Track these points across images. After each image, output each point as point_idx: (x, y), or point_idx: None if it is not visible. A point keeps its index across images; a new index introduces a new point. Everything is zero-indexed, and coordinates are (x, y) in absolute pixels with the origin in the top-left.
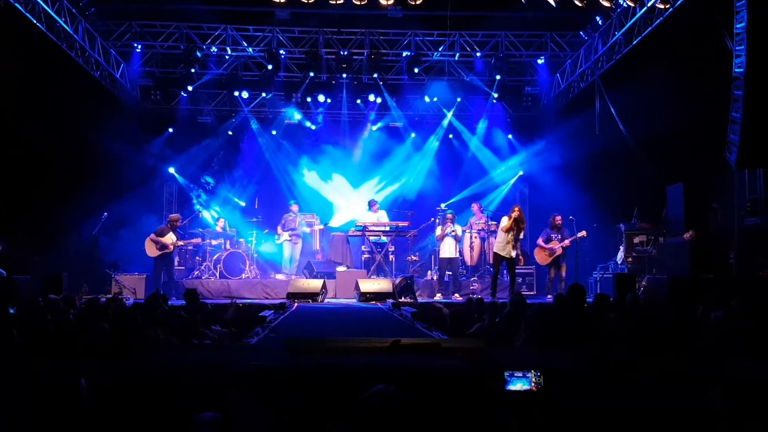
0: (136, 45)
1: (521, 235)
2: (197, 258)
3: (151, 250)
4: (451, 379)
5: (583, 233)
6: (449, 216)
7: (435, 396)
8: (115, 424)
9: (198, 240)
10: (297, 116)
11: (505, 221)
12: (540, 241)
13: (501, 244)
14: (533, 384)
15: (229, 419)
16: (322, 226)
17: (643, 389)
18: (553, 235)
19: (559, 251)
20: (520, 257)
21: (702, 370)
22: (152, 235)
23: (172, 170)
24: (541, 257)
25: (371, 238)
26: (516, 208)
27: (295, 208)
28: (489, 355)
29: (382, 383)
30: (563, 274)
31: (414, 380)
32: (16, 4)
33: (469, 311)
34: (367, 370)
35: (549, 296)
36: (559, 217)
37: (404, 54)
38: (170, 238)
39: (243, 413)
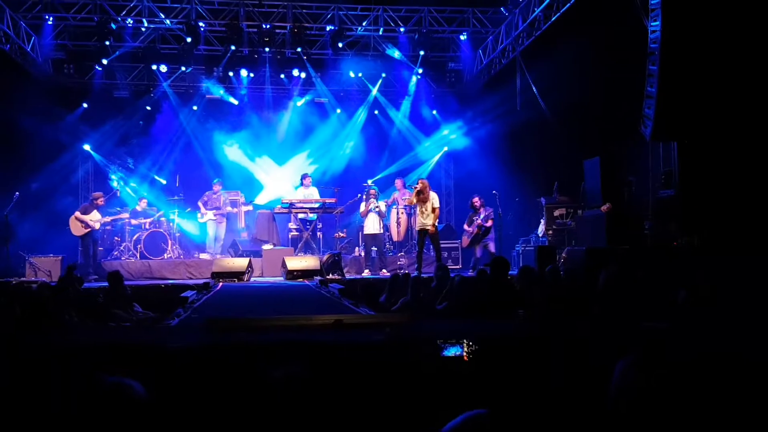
0: (47, 17)
1: (428, 206)
2: (116, 238)
3: (77, 229)
4: (373, 351)
5: (490, 222)
6: (372, 192)
7: (360, 371)
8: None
9: (126, 215)
10: (219, 91)
11: (407, 196)
12: (465, 226)
13: (418, 218)
14: (465, 352)
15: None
16: (250, 207)
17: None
18: (474, 217)
19: (476, 231)
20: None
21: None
22: (77, 213)
23: (87, 147)
24: (464, 241)
25: (299, 215)
26: (419, 181)
27: (217, 187)
28: (414, 328)
29: (299, 359)
30: (492, 249)
31: (332, 354)
32: None
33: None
34: (287, 347)
35: (472, 271)
36: (476, 199)
37: (328, 28)
38: (95, 215)
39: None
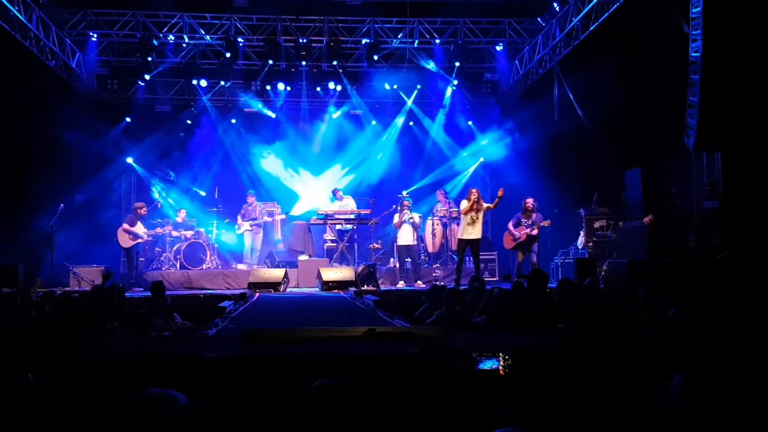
0: (91, 34)
1: (479, 216)
2: (157, 249)
3: (124, 241)
4: (410, 364)
5: (547, 222)
6: (406, 203)
7: (394, 383)
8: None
9: (170, 228)
10: (257, 104)
11: (464, 204)
12: (510, 225)
13: (462, 229)
14: (501, 366)
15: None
16: (283, 216)
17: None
18: (523, 220)
19: (522, 238)
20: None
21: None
22: (125, 225)
23: (130, 160)
24: (507, 241)
25: (335, 226)
26: (472, 191)
27: (251, 198)
28: (450, 340)
29: (336, 372)
30: (534, 258)
31: (371, 367)
32: None
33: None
34: (322, 359)
35: (514, 278)
36: (530, 201)
37: (363, 41)
38: (140, 227)
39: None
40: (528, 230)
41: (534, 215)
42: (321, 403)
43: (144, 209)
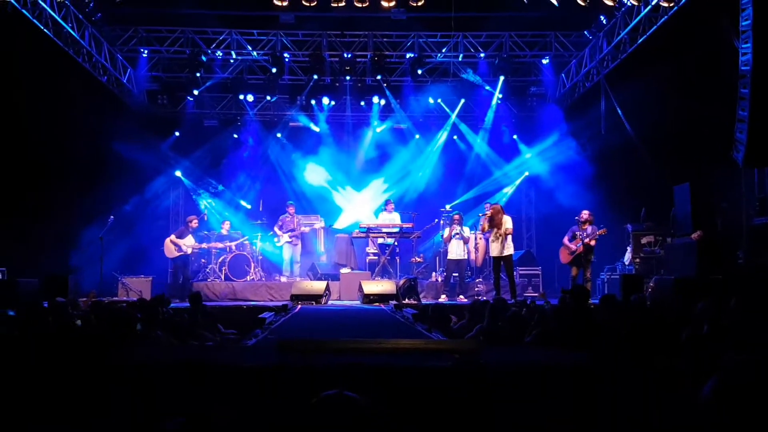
0: (142, 50)
1: (502, 231)
2: (202, 260)
3: (170, 251)
4: (441, 378)
5: (604, 230)
6: (456, 217)
7: (423, 396)
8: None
9: (220, 244)
10: (302, 119)
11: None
12: (566, 239)
13: (492, 245)
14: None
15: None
16: (323, 223)
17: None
18: (578, 233)
19: (580, 249)
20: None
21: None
22: (172, 236)
23: (178, 173)
24: (563, 256)
25: (377, 239)
26: (491, 207)
27: (291, 209)
28: (482, 355)
29: (369, 383)
30: (588, 274)
31: (400, 380)
32: (23, 11)
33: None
34: (355, 370)
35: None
36: (585, 212)
37: (407, 56)
38: (189, 240)
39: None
40: (586, 240)
41: (589, 228)
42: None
43: (195, 222)
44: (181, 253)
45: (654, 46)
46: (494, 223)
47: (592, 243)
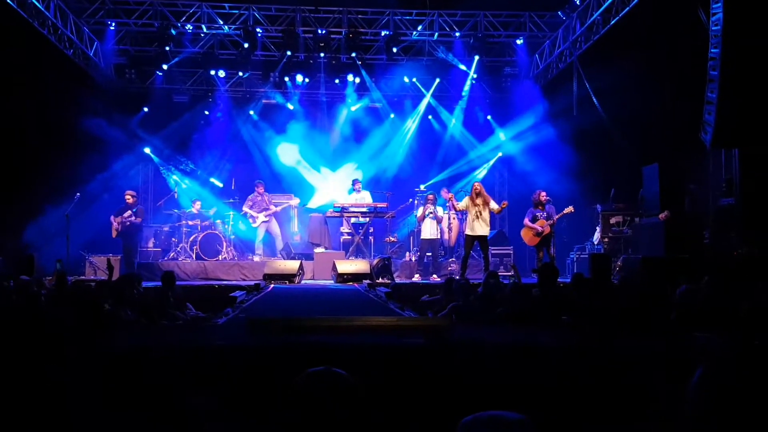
0: (109, 23)
1: (484, 210)
2: (173, 239)
3: (114, 231)
4: (411, 355)
5: (570, 209)
6: (430, 197)
7: (394, 373)
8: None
9: (133, 217)
10: (275, 96)
11: (464, 200)
12: (526, 220)
13: (468, 224)
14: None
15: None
16: (297, 200)
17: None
18: (538, 213)
19: (546, 230)
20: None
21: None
22: (112, 217)
23: (147, 150)
24: (528, 237)
25: (351, 219)
26: (474, 184)
27: (260, 188)
28: (453, 333)
29: (340, 361)
30: (552, 252)
31: (372, 358)
32: None
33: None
34: (326, 349)
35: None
36: (543, 193)
37: (383, 33)
38: (127, 214)
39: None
40: (548, 222)
41: (547, 207)
42: (311, 394)
43: (130, 198)
44: (119, 231)
45: (627, 28)
46: (483, 200)
47: (554, 222)
